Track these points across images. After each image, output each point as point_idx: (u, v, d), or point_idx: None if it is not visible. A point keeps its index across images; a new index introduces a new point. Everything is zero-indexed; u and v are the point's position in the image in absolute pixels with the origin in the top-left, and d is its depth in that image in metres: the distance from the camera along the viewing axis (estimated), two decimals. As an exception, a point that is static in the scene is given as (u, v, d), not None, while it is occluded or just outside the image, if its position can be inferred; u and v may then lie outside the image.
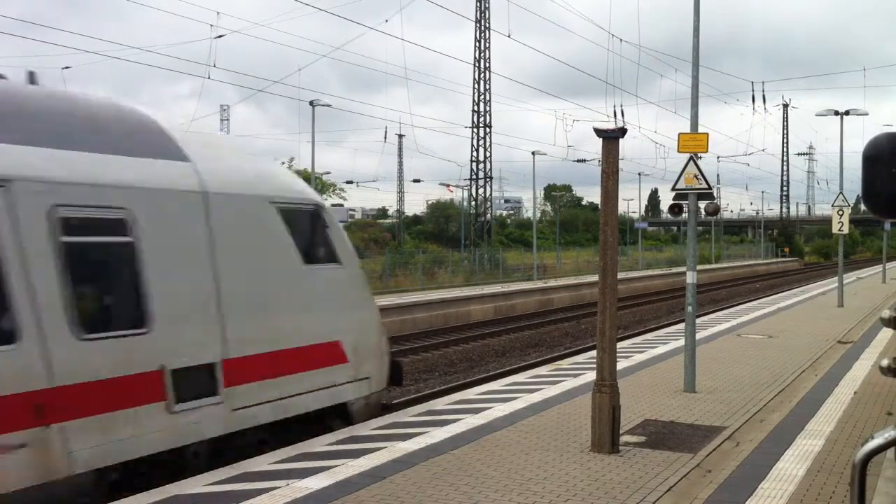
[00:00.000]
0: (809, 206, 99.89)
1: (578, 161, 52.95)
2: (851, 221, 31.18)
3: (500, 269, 51.42)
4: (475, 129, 46.01)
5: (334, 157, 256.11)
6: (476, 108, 45.79)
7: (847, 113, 31.07)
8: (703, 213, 13.57)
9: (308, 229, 10.48)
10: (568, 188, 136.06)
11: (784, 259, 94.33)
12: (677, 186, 13.15)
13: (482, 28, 44.75)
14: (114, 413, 7.75)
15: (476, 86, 45.57)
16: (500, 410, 11.39)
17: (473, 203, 60.09)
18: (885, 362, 4.50)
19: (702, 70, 13.77)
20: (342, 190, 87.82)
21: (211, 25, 36.57)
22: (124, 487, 7.91)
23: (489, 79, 45.82)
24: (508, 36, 45.57)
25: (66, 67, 38.47)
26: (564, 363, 15.99)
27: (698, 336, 15.27)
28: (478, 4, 44.73)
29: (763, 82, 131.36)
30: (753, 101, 57.00)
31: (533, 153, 56.56)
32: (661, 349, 17.57)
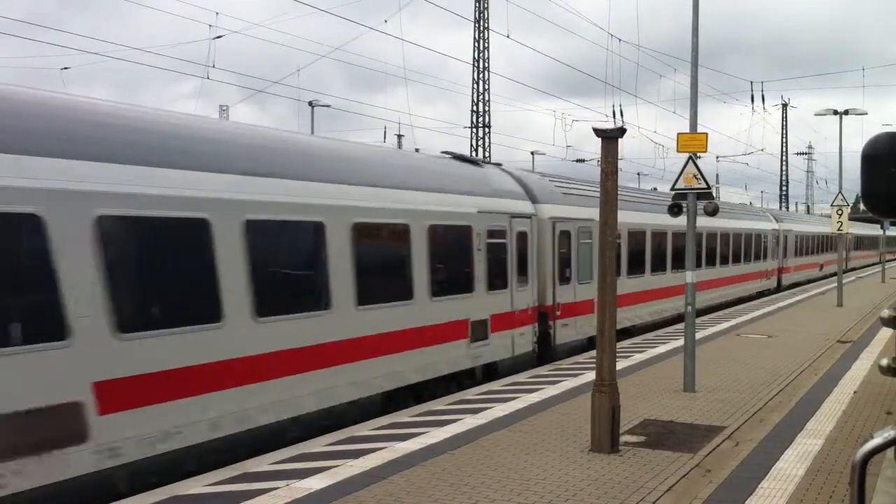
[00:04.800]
0: (809, 206, 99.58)
1: (578, 161, 52.85)
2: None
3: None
4: (474, 129, 45.90)
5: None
6: (475, 107, 45.68)
7: (846, 112, 31.07)
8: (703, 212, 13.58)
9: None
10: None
11: None
12: (676, 186, 13.14)
13: (481, 28, 44.68)
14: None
15: (475, 86, 45.47)
16: (499, 410, 11.39)
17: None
18: (884, 362, 4.49)
19: (701, 70, 13.78)
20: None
21: (210, 26, 36.53)
22: None
23: (488, 79, 45.71)
24: (507, 36, 45.53)
25: (65, 68, 38.33)
26: (564, 363, 15.98)
27: (698, 336, 15.27)
28: (477, 4, 44.62)
29: (762, 82, 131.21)
30: (752, 101, 56.90)
31: (532, 153, 56.61)
32: (661, 349, 17.57)
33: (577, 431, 10.13)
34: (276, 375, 9.91)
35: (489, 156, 46.82)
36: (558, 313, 16.94)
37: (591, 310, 15.60)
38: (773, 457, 9.06)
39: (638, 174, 64.59)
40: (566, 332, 17.26)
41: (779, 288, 38.21)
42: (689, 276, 13.22)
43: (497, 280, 14.70)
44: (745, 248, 32.28)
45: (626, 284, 20.00)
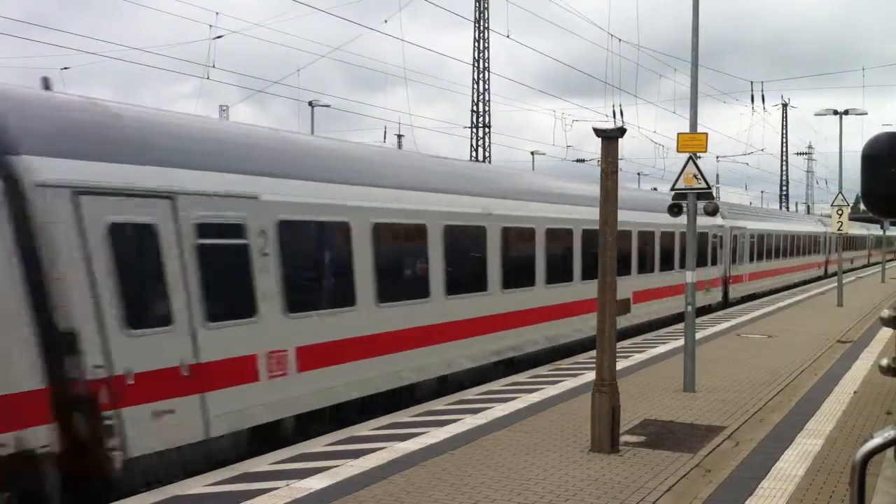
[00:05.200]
0: (809, 206, 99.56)
1: (578, 161, 52.76)
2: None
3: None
4: (474, 129, 45.89)
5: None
6: (475, 108, 45.65)
7: (846, 112, 31.06)
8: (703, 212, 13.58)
9: None
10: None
11: None
12: (676, 186, 13.14)
13: (481, 28, 44.67)
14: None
15: (475, 86, 45.47)
16: (499, 410, 11.39)
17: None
18: (884, 362, 4.49)
19: (701, 70, 13.78)
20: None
21: (210, 26, 36.48)
22: None
23: (488, 79, 45.72)
24: (507, 36, 45.40)
25: (66, 68, 38.27)
26: (564, 363, 15.99)
27: (698, 336, 15.27)
28: (477, 4, 44.59)
29: (762, 82, 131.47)
30: (752, 100, 56.90)
31: (532, 153, 56.55)
32: (661, 349, 17.58)
33: (577, 431, 10.13)
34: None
35: (489, 156, 46.80)
36: (731, 280, 30.66)
37: (742, 280, 32.29)
38: (773, 457, 9.06)
39: (638, 174, 64.50)
40: (733, 292, 30.92)
41: (825, 275, 50.41)
42: (689, 276, 13.21)
43: (714, 260, 27.83)
44: (810, 245, 47.11)
45: (777, 263, 38.26)
